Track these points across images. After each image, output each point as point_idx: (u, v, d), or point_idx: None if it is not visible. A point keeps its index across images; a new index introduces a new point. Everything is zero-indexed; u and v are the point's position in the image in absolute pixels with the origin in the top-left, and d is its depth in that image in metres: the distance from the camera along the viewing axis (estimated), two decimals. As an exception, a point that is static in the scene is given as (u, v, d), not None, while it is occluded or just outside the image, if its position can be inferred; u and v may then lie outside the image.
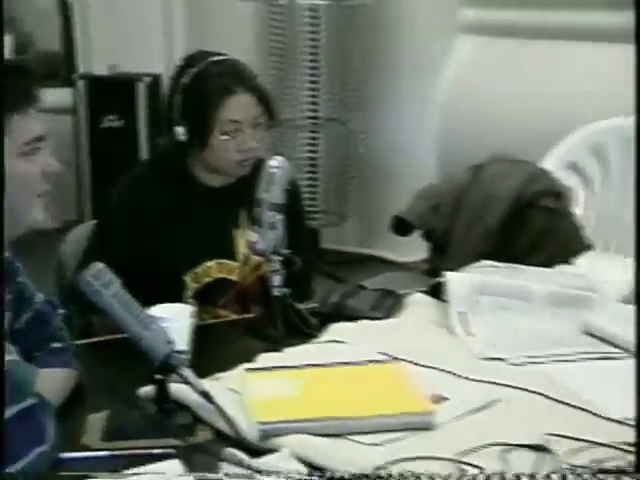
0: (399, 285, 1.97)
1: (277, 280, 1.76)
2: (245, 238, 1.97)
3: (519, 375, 1.52)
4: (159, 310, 1.53)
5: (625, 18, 3.25)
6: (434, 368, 1.54)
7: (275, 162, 1.81)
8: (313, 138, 3.98)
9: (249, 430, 1.31)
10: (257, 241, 1.79)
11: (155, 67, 4.54)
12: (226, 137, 1.91)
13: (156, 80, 4.56)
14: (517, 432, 1.29)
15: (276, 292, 1.76)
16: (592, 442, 1.26)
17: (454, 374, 1.52)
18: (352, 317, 1.79)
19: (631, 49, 3.30)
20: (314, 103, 3.93)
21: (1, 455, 1.16)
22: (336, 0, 3.87)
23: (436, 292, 1.84)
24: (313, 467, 1.23)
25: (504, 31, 3.73)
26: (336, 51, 3.94)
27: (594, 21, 3.39)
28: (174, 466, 1.23)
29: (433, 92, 3.97)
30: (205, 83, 1.90)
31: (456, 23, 3.92)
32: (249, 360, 1.57)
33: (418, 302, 1.85)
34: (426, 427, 1.33)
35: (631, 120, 3.08)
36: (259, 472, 1.18)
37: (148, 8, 4.78)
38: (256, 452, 1.26)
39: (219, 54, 1.96)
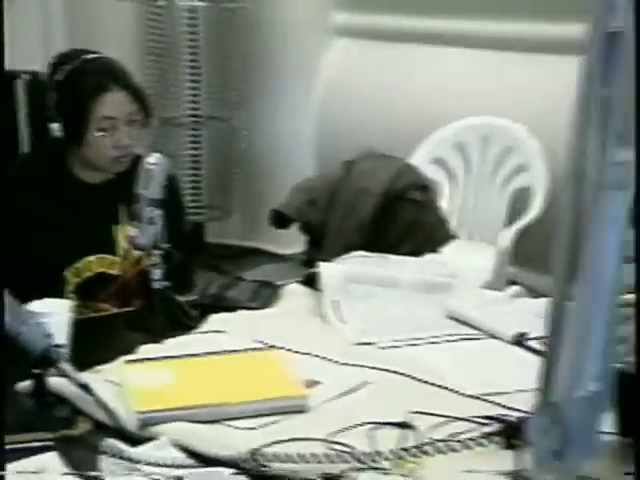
0: (277, 276, 2.03)
1: (157, 274, 1.78)
2: (125, 233, 1.99)
3: (387, 358, 1.57)
4: (37, 305, 1.53)
5: (490, 26, 3.41)
6: (308, 354, 1.59)
7: (153, 159, 1.83)
8: (195, 135, 3.97)
9: (128, 420, 1.33)
10: (137, 236, 1.81)
11: (34, 64, 4.44)
12: (102, 134, 1.93)
13: (35, 77, 4.47)
14: (384, 411, 1.34)
15: (157, 285, 1.78)
16: (451, 417, 1.33)
17: (327, 359, 1.57)
18: (231, 307, 1.82)
19: (493, 55, 3.42)
20: (195, 102, 3.93)
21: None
22: (214, 2, 3.88)
23: (311, 282, 1.88)
24: (191, 453, 1.25)
25: (375, 35, 3.80)
26: (216, 51, 3.94)
27: (459, 27, 3.49)
28: (51, 459, 1.23)
29: (308, 93, 4.03)
30: (79, 80, 1.92)
31: (329, 26, 3.99)
32: (130, 352, 1.58)
33: (294, 292, 1.89)
34: (299, 410, 1.38)
35: (487, 119, 3.25)
36: (137, 462, 1.20)
37: (25, 3, 4.68)
38: (136, 441, 1.28)
39: (93, 52, 1.97)
